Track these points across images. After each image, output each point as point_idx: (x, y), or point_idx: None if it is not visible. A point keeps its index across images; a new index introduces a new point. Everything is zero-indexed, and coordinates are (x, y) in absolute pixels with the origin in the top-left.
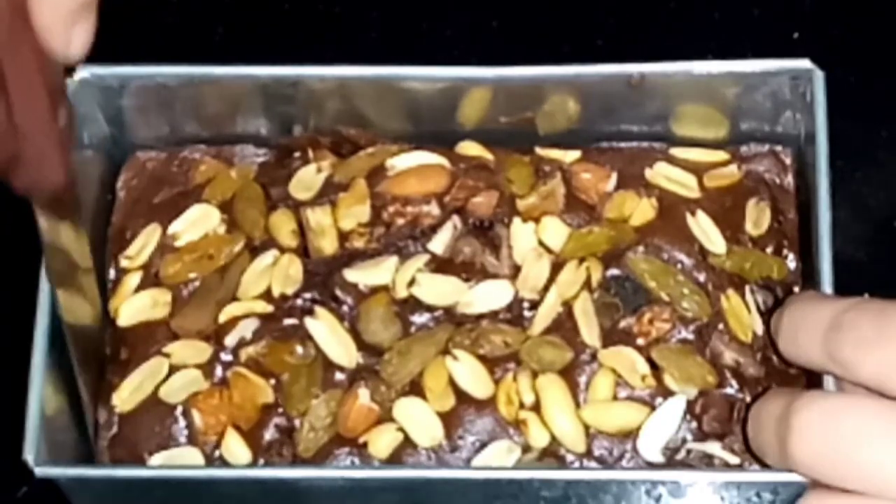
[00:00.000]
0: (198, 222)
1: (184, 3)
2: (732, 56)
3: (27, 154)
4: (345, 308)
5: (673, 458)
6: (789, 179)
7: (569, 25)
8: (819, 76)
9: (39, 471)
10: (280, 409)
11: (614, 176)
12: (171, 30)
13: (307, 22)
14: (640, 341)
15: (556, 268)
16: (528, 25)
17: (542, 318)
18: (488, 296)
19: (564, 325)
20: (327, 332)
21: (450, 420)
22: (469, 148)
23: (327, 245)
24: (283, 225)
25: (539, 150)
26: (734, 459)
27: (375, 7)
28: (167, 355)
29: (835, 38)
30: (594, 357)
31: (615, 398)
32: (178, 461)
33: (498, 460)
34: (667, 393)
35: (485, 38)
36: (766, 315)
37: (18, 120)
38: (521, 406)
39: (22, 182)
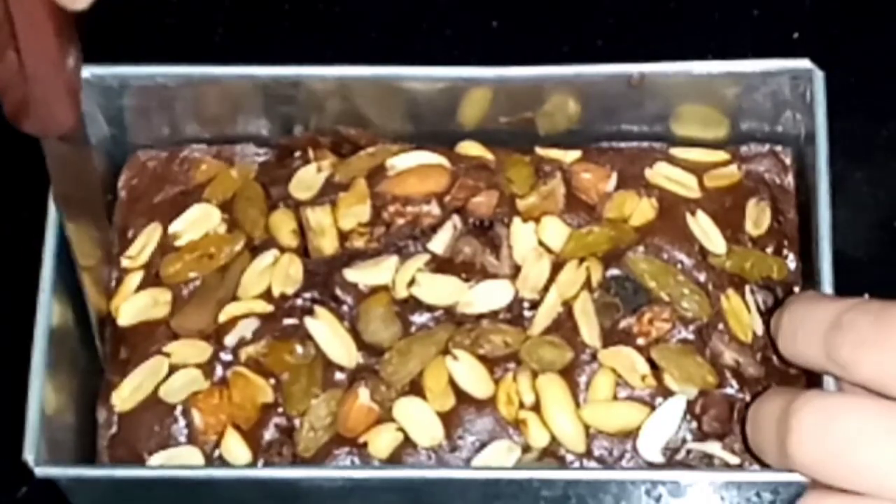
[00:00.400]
0: (198, 222)
1: (184, 4)
2: (732, 56)
3: (36, 97)
4: (345, 308)
5: (673, 458)
6: (789, 179)
7: (568, 26)
8: (819, 76)
9: (39, 471)
10: (280, 409)
11: (614, 176)
12: (171, 30)
13: (307, 22)
14: (640, 341)
15: (556, 268)
16: (528, 26)
17: (542, 317)
18: (488, 296)
19: (564, 325)
20: (327, 331)
21: (450, 420)
22: (469, 148)
23: (327, 245)
24: (283, 225)
25: (539, 150)
26: (734, 459)
27: (375, 7)
28: (167, 355)
29: (834, 38)
30: (594, 357)
31: (615, 398)
32: (177, 461)
33: (498, 460)
34: (667, 393)
35: (485, 38)
36: (766, 315)
37: (27, 65)
38: (521, 406)
39: (32, 125)
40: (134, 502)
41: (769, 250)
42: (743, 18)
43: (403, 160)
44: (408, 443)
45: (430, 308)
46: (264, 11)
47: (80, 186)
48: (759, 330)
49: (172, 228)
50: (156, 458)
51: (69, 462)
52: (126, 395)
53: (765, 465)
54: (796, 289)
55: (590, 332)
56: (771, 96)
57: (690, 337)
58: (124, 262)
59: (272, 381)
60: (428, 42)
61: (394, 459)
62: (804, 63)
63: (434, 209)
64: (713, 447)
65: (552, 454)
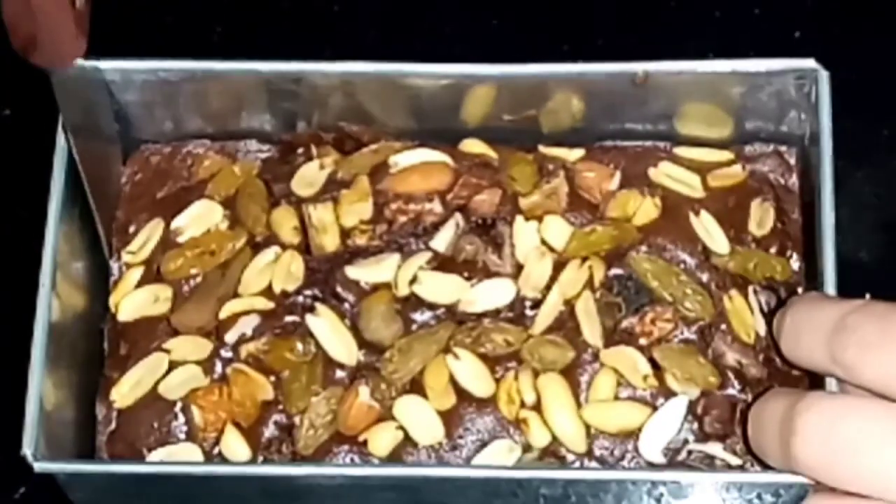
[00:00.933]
0: (200, 218)
1: (183, 3)
2: (733, 55)
3: (44, 36)
4: (346, 305)
5: (674, 459)
6: (794, 180)
7: (569, 25)
8: (824, 76)
9: (38, 466)
10: (280, 407)
11: (618, 175)
12: (170, 29)
13: (305, 21)
14: (643, 341)
15: (559, 267)
16: (528, 24)
17: (544, 317)
18: (490, 294)
19: (566, 325)
20: (328, 329)
21: (450, 419)
22: (472, 146)
23: (329, 242)
24: (285, 221)
25: (542, 149)
26: (736, 461)
27: (374, 6)
28: (167, 351)
29: (836, 38)
30: (596, 357)
31: (616, 398)
32: (176, 458)
33: (498, 459)
34: (668, 393)
35: (484, 36)
36: (769, 316)
37: (35, 6)
38: (522, 405)
39: (40, 60)
40: (133, 499)
41: (773, 251)
42: (744, 17)
43: (406, 157)
44: (408, 441)
45: (431, 306)
46: (263, 11)
47: (101, 177)
48: (762, 331)
49: (174, 224)
50: (155, 455)
51: (68, 458)
52: (125, 391)
53: (765, 466)
54: (800, 289)
55: (592, 331)
56: (775, 96)
57: (693, 337)
58: (125, 258)
59: (272, 378)
60: (427, 41)
61: (394, 458)
62: (809, 63)
63: (436, 207)
64: (715, 448)
65: (553, 454)
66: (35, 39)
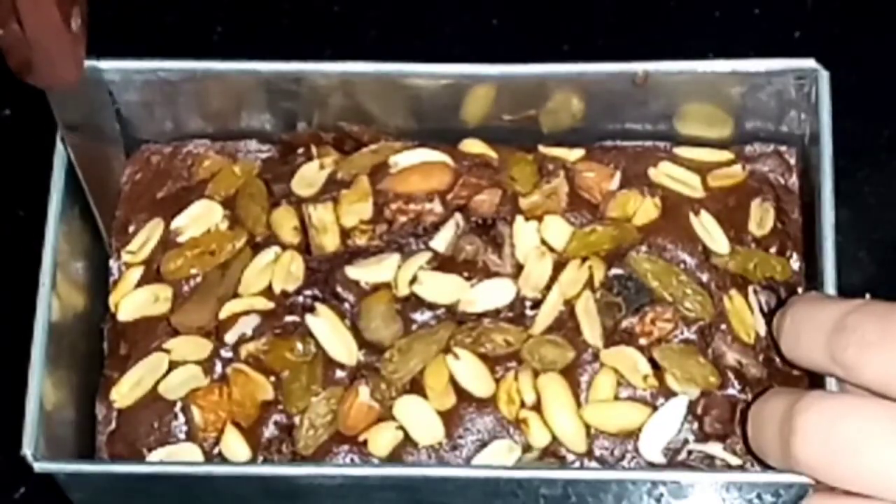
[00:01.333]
0: (200, 218)
1: (183, 3)
2: (733, 55)
3: (38, 59)
4: (346, 305)
5: (674, 459)
6: (794, 180)
7: (569, 25)
8: (824, 76)
9: (38, 466)
10: (280, 407)
11: (618, 175)
12: (170, 29)
13: (306, 21)
14: (643, 341)
15: (559, 267)
16: (528, 24)
17: (544, 317)
18: (490, 294)
19: (566, 325)
20: (328, 329)
21: (450, 419)
22: (472, 146)
23: (329, 242)
24: (285, 221)
25: (542, 149)
26: (736, 461)
27: (374, 6)
28: (167, 351)
29: (836, 38)
30: (596, 357)
31: (616, 398)
32: (176, 458)
33: (498, 459)
34: (668, 393)
35: (484, 37)
36: (769, 316)
37: (29, 34)
38: (522, 405)
39: (35, 79)
40: (132, 499)
41: (773, 251)
42: (744, 17)
43: (406, 157)
44: (408, 441)
45: (431, 306)
46: (263, 10)
47: (102, 176)
48: (762, 331)
49: (174, 224)
50: (155, 455)
51: (68, 458)
52: (125, 391)
53: (765, 466)
54: (800, 289)
55: (592, 331)
56: (776, 96)
57: (693, 337)
58: (125, 258)
59: (272, 378)
60: (427, 41)
61: (394, 458)
62: (809, 63)
63: (436, 207)
64: (715, 448)
65: (553, 454)
66: (31, 62)
